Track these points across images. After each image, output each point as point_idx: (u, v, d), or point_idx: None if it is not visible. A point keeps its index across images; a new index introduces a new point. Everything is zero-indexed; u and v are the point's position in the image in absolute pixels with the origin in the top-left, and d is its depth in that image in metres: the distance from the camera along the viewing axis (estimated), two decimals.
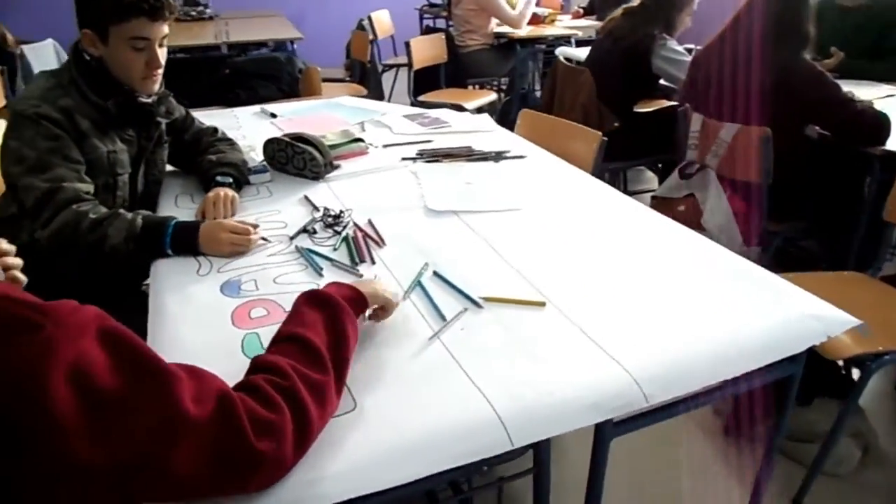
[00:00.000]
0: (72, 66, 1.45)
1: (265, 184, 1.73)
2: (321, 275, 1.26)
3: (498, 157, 1.88)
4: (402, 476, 0.81)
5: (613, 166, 2.94)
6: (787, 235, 2.31)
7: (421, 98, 4.10)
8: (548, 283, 1.21)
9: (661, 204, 2.42)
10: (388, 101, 4.43)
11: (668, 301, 1.14)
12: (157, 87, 1.52)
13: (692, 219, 2.30)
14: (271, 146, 1.78)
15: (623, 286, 1.20)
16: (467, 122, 2.28)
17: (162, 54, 1.47)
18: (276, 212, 1.55)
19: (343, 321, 0.93)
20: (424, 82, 4.31)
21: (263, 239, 1.39)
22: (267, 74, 2.62)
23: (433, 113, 2.36)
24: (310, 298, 0.96)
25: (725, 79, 2.20)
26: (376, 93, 4.55)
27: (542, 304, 1.14)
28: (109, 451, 0.64)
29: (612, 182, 3.00)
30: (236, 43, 3.68)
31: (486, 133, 2.15)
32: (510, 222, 1.47)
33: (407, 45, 3.95)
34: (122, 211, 1.37)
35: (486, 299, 1.16)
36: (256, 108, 2.46)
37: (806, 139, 2.17)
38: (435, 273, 1.25)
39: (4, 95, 3.34)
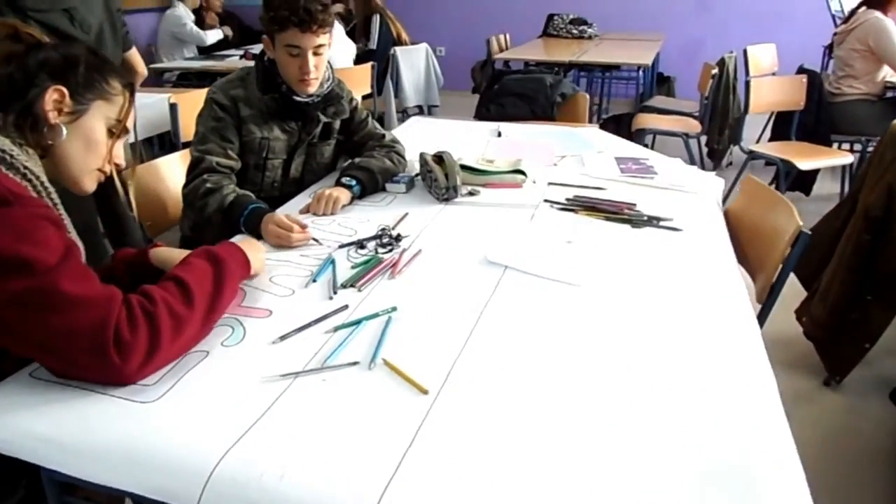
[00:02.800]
0: (256, 65, 1.73)
1: (400, 194, 1.78)
2: (309, 284, 1.28)
3: (645, 223, 1.57)
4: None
5: None
6: None
7: (754, 148, 3.54)
8: (493, 374, 1.01)
9: None
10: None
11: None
12: (312, 88, 1.70)
13: None
14: (419, 162, 1.82)
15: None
16: (685, 177, 1.93)
17: (316, 62, 1.64)
18: (365, 220, 1.60)
19: (224, 278, 1.08)
20: (781, 127, 3.72)
21: (314, 240, 1.47)
22: (521, 94, 2.62)
23: (654, 159, 2.06)
24: (205, 251, 1.12)
25: None
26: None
27: (426, 392, 0.96)
28: None
29: None
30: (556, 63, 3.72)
31: (687, 194, 1.79)
32: (558, 295, 1.24)
33: (746, 84, 3.44)
34: (230, 187, 1.60)
35: (385, 362, 1.03)
36: (495, 125, 2.50)
37: None
38: (389, 320, 1.15)
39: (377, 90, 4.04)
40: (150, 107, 2.80)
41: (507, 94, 2.70)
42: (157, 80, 4.35)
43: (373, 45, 4.44)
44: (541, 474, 0.80)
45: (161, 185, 1.94)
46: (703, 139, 4.21)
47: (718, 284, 1.30)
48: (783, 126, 3.74)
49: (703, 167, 4.34)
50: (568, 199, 1.70)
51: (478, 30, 5.27)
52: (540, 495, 0.77)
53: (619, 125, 4.11)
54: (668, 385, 0.98)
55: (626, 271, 1.34)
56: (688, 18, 5.99)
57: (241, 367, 1.02)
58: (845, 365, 2.27)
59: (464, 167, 1.79)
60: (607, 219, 1.59)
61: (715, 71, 3.76)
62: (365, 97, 4.04)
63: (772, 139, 3.86)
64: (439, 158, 1.74)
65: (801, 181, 3.71)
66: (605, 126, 4.47)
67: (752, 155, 3.53)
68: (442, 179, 1.69)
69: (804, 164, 3.25)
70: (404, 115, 4.33)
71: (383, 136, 1.91)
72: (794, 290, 2.41)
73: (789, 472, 0.81)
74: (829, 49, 3.81)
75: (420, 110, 4.49)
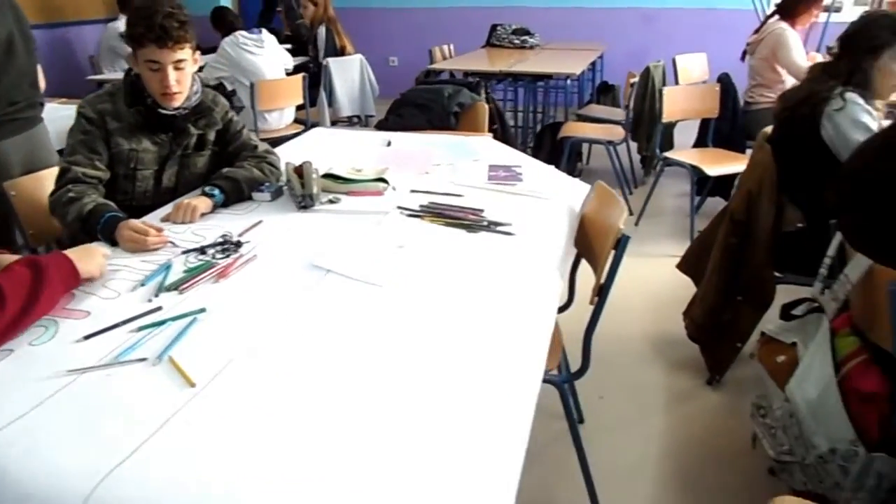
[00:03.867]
0: (124, 79, 1.82)
1: (265, 203, 1.86)
2: (136, 288, 1.36)
3: (481, 228, 1.66)
4: None
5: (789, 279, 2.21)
6: None
7: (668, 154, 3.66)
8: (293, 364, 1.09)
9: (766, 347, 1.77)
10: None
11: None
12: (177, 102, 1.78)
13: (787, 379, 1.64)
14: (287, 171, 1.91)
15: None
16: (548, 183, 2.02)
17: (178, 76, 1.73)
18: (219, 228, 1.68)
19: (42, 285, 1.19)
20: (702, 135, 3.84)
21: (171, 243, 1.55)
22: (419, 104, 2.71)
23: (525, 167, 2.16)
24: (28, 260, 1.23)
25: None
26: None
27: (193, 385, 1.04)
28: None
29: None
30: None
31: (544, 201, 1.88)
32: (371, 297, 1.33)
33: (659, 93, 3.55)
34: (91, 196, 1.67)
35: (170, 359, 1.11)
36: (389, 135, 2.58)
37: None
38: (194, 321, 1.23)
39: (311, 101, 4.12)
40: (69, 118, 2.85)
41: (407, 104, 2.80)
42: (97, 90, 4.40)
43: (321, 56, 4.54)
44: (275, 463, 0.89)
45: (45, 195, 2.01)
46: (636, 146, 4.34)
47: (526, 288, 1.39)
48: (704, 134, 3.85)
49: (633, 174, 4.48)
50: (420, 206, 1.79)
51: (429, 40, 5.38)
52: (265, 487, 0.86)
53: (554, 133, 4.22)
54: (436, 384, 1.06)
55: (443, 274, 1.43)
56: (632, 29, 6.14)
57: (35, 365, 1.10)
58: (723, 364, 2.37)
59: (329, 176, 1.88)
60: (447, 224, 1.68)
61: (634, 80, 3.87)
62: (299, 107, 4.13)
63: (694, 146, 3.98)
64: (300, 168, 1.83)
65: (722, 187, 3.82)
66: (541, 135, 4.59)
67: (667, 161, 3.65)
68: (298, 188, 1.78)
69: (712, 171, 3.36)
70: (347, 123, 4.44)
71: (256, 146, 2.00)
72: (689, 293, 2.52)
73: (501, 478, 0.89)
74: (743, 58, 3.93)
75: (358, 119, 4.58)
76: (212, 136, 1.94)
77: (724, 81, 3.72)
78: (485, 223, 1.68)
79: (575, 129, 4.12)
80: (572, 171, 4.50)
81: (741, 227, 2.19)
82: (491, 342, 1.18)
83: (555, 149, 4.09)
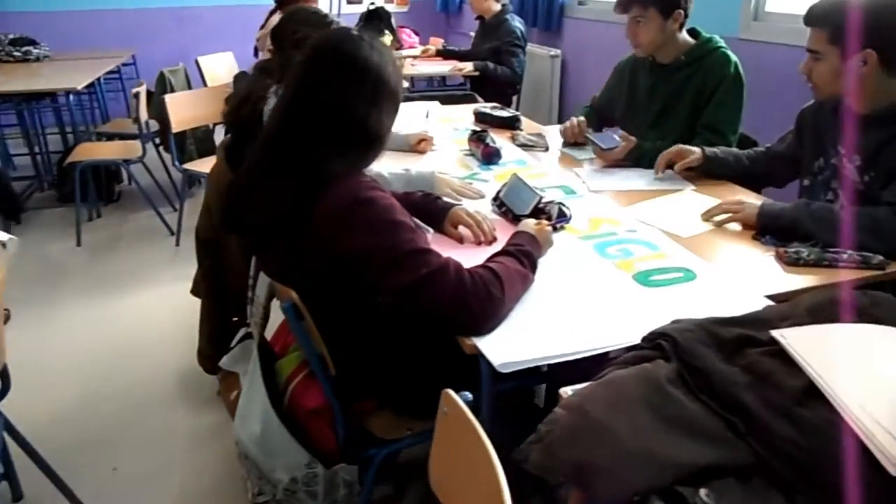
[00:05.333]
0: None
1: None
2: None
3: None
4: None
5: None
6: None
7: (188, 166, 3.40)
8: None
9: (224, 381, 1.61)
10: None
11: None
12: None
13: None
14: None
15: None
16: None
17: None
18: None
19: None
20: None
21: None
22: None
23: None
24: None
25: None
26: None
27: None
28: None
29: None
30: None
31: None
32: None
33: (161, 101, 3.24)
34: None
35: None
36: None
37: None
38: None
39: None
40: None
41: None
42: None
43: None
44: None
45: None
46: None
47: None
48: None
49: (178, 188, 4.11)
50: None
51: None
52: None
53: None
54: None
55: None
56: (165, 30, 5.67)
57: None
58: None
59: None
60: None
61: (140, 90, 3.46)
62: None
63: None
64: None
65: None
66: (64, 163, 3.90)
67: (188, 172, 3.38)
68: None
69: None
70: None
71: None
72: None
73: None
74: (255, 54, 3.85)
75: None
76: None
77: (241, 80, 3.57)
78: None
79: (88, 152, 3.56)
80: (103, 195, 3.95)
81: (211, 245, 2.00)
82: None
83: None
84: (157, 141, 4.02)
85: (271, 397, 1.41)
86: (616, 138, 2.12)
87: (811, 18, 1.61)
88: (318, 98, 1.26)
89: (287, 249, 1.28)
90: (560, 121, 3.12)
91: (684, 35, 2.18)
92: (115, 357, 2.52)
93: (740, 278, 1.38)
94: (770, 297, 1.31)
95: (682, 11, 2.10)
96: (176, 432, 2.12)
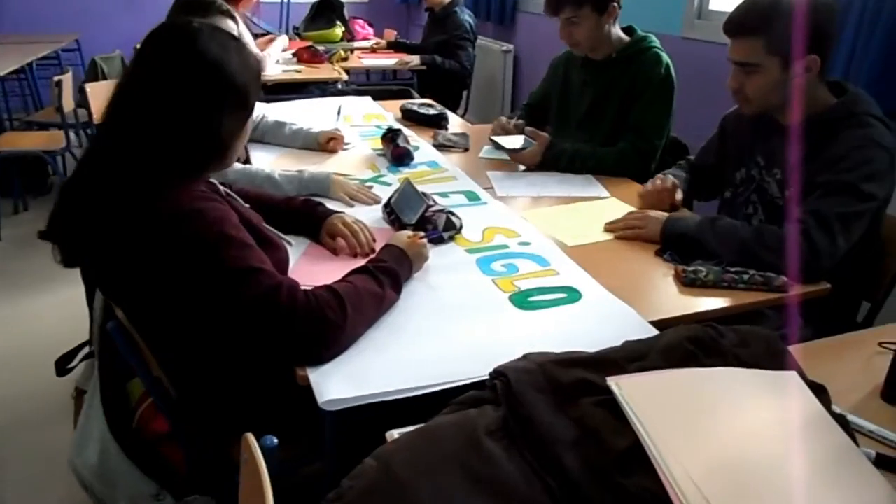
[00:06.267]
0: None
1: None
2: None
3: None
4: None
5: None
6: None
7: None
8: None
9: None
10: None
11: None
12: None
13: None
14: None
15: None
16: None
17: None
18: None
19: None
20: None
21: None
22: None
23: None
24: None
25: None
26: None
27: None
28: None
29: None
30: None
31: None
32: None
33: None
34: None
35: None
36: None
37: None
38: None
39: None
40: None
41: None
42: None
43: None
44: None
45: None
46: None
47: None
48: None
49: None
50: None
51: None
52: None
53: None
54: None
55: None
56: (113, 12, 5.44)
57: None
58: None
59: None
60: None
61: (61, 77, 3.28)
62: None
63: None
64: None
65: None
66: None
67: None
68: None
69: None
70: None
71: None
72: None
73: None
74: None
75: None
76: None
77: None
78: None
79: (10, 142, 3.37)
80: (33, 187, 3.76)
81: None
82: None
83: None
84: (90, 131, 3.83)
85: (112, 421, 1.27)
86: (523, 139, 1.99)
87: (740, 28, 1.44)
88: (145, 94, 1.10)
89: (108, 262, 1.13)
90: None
91: (618, 31, 2.06)
92: (22, 361, 2.37)
93: (630, 301, 1.25)
94: (657, 322, 1.19)
95: (615, 5, 1.98)
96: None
